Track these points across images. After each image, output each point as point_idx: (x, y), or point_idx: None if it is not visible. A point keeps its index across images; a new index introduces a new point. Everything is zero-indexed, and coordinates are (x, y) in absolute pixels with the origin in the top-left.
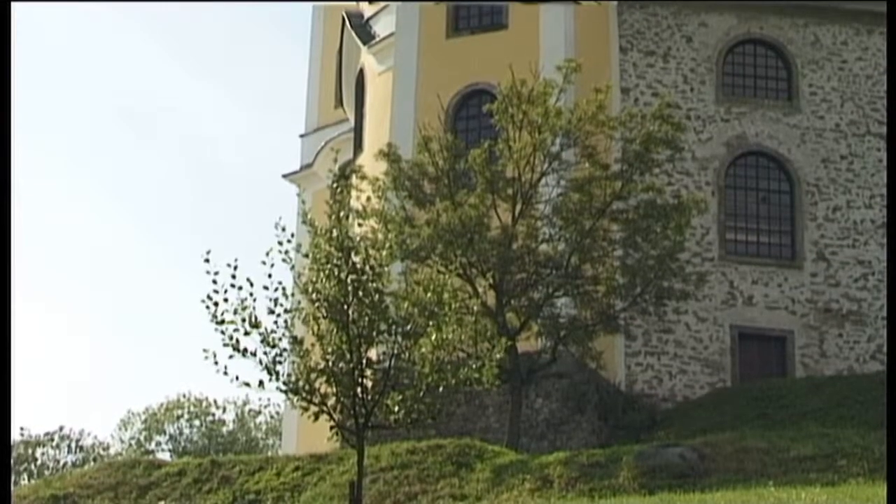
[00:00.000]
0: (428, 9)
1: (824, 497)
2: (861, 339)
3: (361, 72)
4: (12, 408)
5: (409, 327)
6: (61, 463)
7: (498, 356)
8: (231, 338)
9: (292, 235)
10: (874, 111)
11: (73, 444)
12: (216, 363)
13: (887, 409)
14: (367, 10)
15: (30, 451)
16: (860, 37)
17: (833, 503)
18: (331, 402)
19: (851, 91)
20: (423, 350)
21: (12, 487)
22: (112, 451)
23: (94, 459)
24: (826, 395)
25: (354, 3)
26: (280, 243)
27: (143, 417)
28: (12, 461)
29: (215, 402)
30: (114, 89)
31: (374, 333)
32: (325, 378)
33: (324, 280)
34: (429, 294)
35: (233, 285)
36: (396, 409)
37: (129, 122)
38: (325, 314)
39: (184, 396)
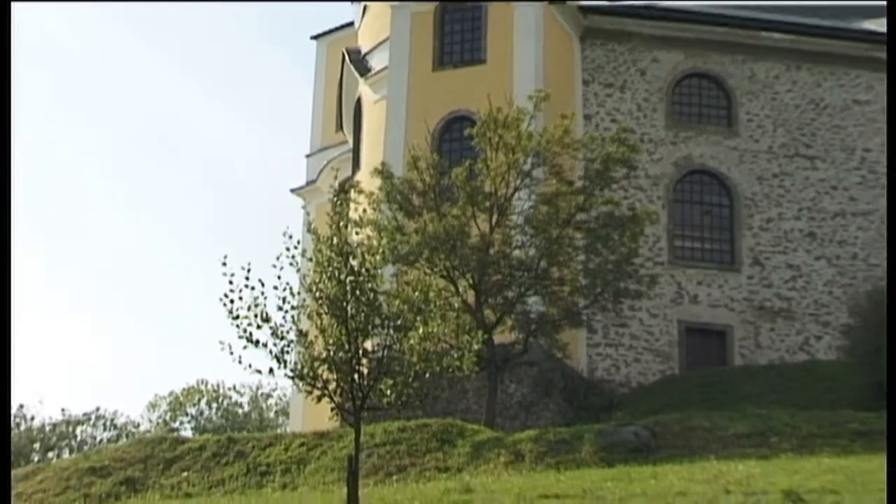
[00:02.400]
0: (417, 46)
1: (758, 469)
2: (791, 333)
3: (359, 100)
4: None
5: (399, 322)
6: (98, 439)
7: (476, 347)
8: (245, 331)
9: (298, 242)
10: (802, 136)
11: (108, 423)
12: (232, 353)
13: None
14: (364, 46)
15: (70, 428)
16: (790, 72)
17: (766, 475)
18: (332, 386)
19: (782, 118)
20: (412, 342)
21: (55, 461)
22: (142, 428)
23: (127, 436)
24: (760, 381)
25: (355, 40)
26: (288, 249)
27: (168, 400)
28: (55, 438)
29: (234, 387)
30: (144, 112)
31: (370, 327)
32: (326, 366)
33: (326, 281)
34: (417, 293)
35: (246, 286)
36: (389, 392)
37: (158, 142)
38: (326, 310)
39: (202, 382)
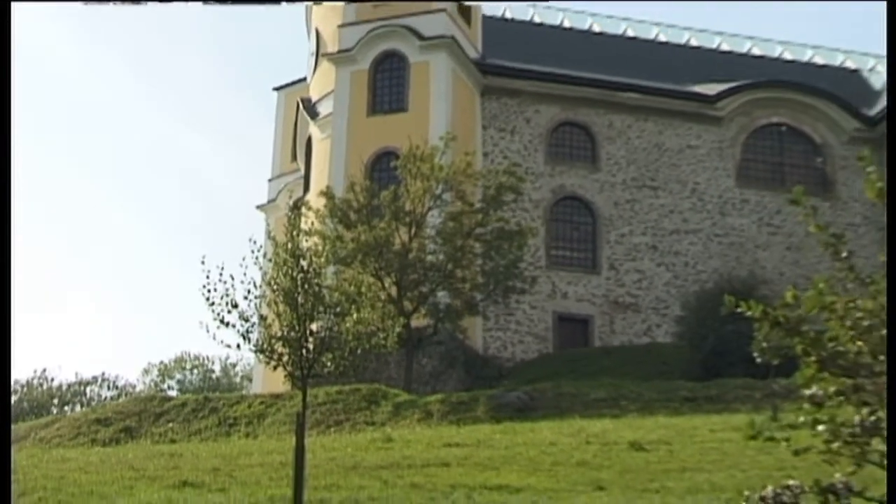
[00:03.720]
0: (355, 97)
1: (611, 425)
2: (637, 322)
3: (309, 138)
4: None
5: (338, 309)
6: (103, 397)
7: (398, 330)
8: (218, 315)
9: (261, 247)
10: (648, 172)
11: (111, 384)
12: (208, 331)
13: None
14: (314, 96)
15: (82, 388)
16: (639, 122)
17: (617, 429)
18: (285, 358)
19: (633, 158)
20: (348, 325)
21: (69, 413)
22: (137, 389)
23: (125, 395)
24: (614, 358)
25: (307, 91)
26: (252, 252)
27: (158, 367)
28: (70, 395)
29: (209, 357)
30: (153, 149)
31: (315, 313)
32: (281, 342)
33: (281, 277)
34: (352, 287)
35: (220, 280)
36: (329, 363)
37: (161, 168)
38: (281, 300)
39: (185, 353)
